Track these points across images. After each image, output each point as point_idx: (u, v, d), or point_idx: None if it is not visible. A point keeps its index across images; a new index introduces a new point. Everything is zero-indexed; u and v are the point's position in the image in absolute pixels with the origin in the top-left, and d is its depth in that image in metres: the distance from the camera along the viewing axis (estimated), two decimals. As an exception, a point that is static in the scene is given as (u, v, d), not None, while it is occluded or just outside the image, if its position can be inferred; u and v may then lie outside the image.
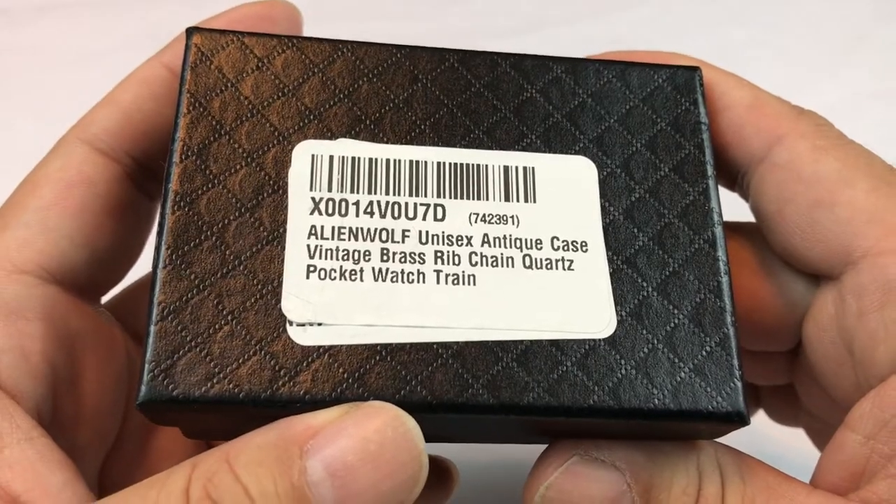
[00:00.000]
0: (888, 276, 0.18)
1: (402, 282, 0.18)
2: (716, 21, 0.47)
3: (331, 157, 0.20)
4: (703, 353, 0.18)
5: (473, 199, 0.19)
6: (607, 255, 0.19)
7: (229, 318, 0.18)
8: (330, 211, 0.19)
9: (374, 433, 0.15)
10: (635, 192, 0.20)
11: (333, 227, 0.19)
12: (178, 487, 0.15)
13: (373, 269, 0.18)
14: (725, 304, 0.19)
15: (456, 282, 0.18)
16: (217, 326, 0.17)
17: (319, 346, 0.17)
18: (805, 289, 0.21)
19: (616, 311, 0.18)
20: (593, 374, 0.18)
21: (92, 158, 0.20)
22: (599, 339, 0.18)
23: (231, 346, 0.17)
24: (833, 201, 0.19)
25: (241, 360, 0.17)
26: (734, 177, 0.22)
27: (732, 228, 0.23)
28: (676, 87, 0.21)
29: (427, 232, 0.19)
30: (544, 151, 0.20)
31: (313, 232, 0.19)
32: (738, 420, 0.18)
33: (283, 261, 0.18)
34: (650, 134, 0.20)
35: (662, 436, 0.19)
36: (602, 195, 0.20)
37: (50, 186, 0.20)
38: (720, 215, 0.20)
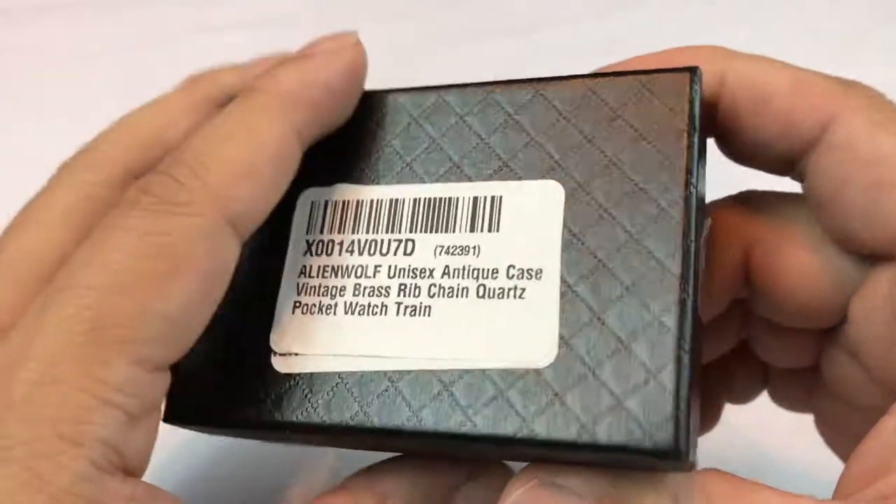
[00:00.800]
0: None
1: (368, 314, 0.20)
2: (716, 21, 0.47)
3: (325, 202, 0.21)
4: (641, 383, 0.17)
5: (441, 232, 0.20)
6: (561, 281, 0.18)
7: (232, 352, 0.20)
8: (318, 251, 0.21)
9: None
10: (599, 211, 0.19)
11: (319, 266, 0.20)
12: None
13: (345, 303, 0.20)
14: (674, 330, 0.17)
15: (413, 313, 0.19)
16: (221, 360, 0.20)
17: (295, 374, 0.20)
18: (855, 268, 0.20)
19: (560, 338, 0.18)
20: (527, 404, 0.17)
21: (235, 245, 0.18)
22: (538, 368, 0.18)
23: (235, 375, 0.20)
24: (894, 181, 0.18)
25: (240, 387, 0.20)
26: (791, 165, 0.20)
27: (779, 198, 0.22)
28: (660, 94, 0.19)
29: (395, 266, 0.20)
30: (516, 178, 0.20)
31: (303, 271, 0.21)
32: (673, 457, 0.16)
33: (276, 297, 0.20)
34: (625, 148, 0.19)
35: (615, 466, 0.18)
36: (566, 218, 0.19)
37: (197, 276, 0.17)
38: (691, 229, 0.18)
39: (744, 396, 0.27)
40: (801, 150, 0.20)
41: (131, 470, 0.17)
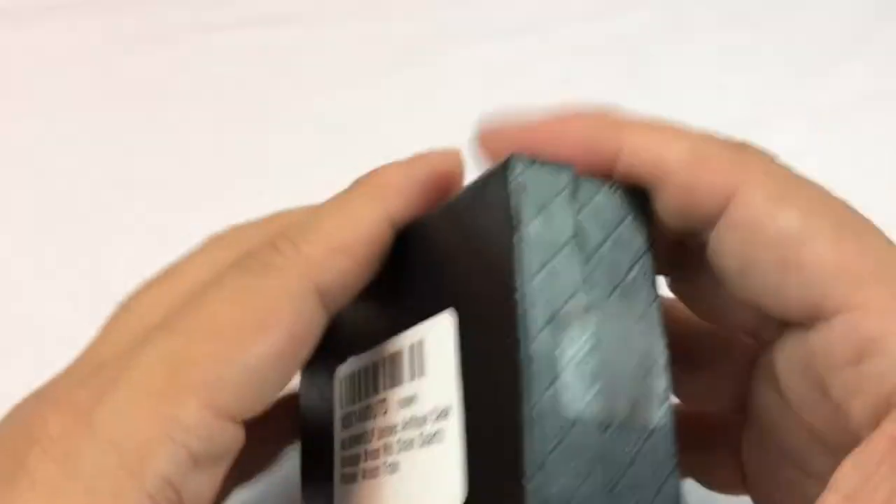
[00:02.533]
0: (860, 334, 0.18)
1: (369, 478, 0.20)
2: (716, 21, 0.47)
3: (342, 379, 0.22)
4: None
5: (398, 385, 0.20)
6: (462, 417, 0.17)
7: None
8: (346, 424, 0.22)
9: None
10: (482, 334, 0.17)
11: (345, 439, 0.22)
12: None
13: (362, 469, 0.21)
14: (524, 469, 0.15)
15: (393, 471, 0.19)
16: None
17: None
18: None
19: (465, 479, 0.17)
20: None
21: (321, 314, 0.19)
22: None
23: None
24: (799, 261, 0.18)
25: None
26: (689, 237, 0.20)
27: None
28: (488, 203, 0.17)
29: (379, 428, 0.20)
30: (430, 315, 0.19)
31: (342, 445, 0.22)
32: None
33: (332, 471, 0.22)
34: (484, 266, 0.17)
35: None
36: (460, 347, 0.17)
37: (281, 334, 0.18)
38: (528, 352, 0.16)
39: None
40: (702, 226, 0.19)
41: None
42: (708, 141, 0.19)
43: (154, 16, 0.46)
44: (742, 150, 0.19)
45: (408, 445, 0.19)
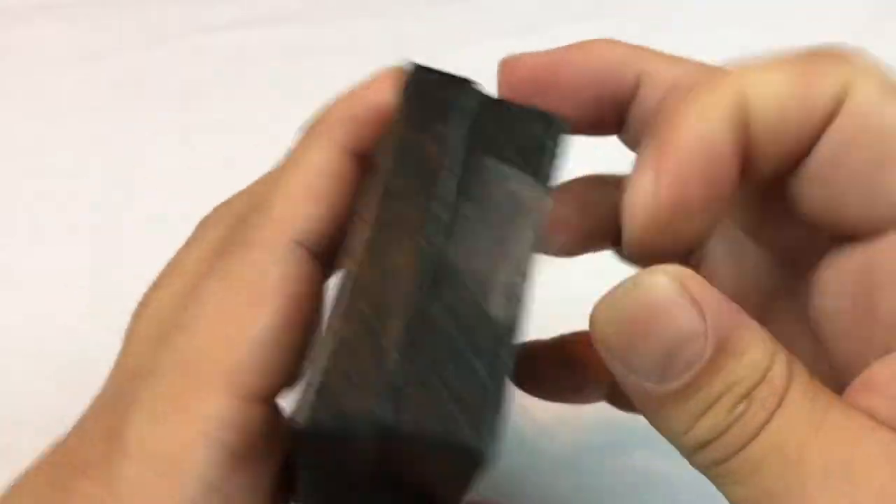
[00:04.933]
0: None
1: None
2: (716, 21, 0.47)
3: None
4: None
5: None
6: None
7: None
8: None
9: None
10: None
11: None
12: None
13: None
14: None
15: None
16: None
17: None
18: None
19: None
20: None
21: (308, 262, 0.19)
22: None
23: None
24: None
25: None
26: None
27: None
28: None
29: None
30: None
31: None
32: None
33: None
34: None
35: None
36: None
37: (278, 300, 0.18)
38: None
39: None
40: (807, 141, 0.19)
41: None
42: (802, 53, 0.19)
43: (154, 16, 0.46)
44: (843, 54, 0.19)
45: None
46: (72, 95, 0.42)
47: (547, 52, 0.21)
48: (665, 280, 0.16)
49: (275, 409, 0.18)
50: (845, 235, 0.19)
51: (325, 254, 0.19)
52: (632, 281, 0.16)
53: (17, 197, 0.38)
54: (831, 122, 0.18)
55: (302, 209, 0.19)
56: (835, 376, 0.19)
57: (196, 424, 0.17)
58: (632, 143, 0.22)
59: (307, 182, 0.19)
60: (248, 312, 0.18)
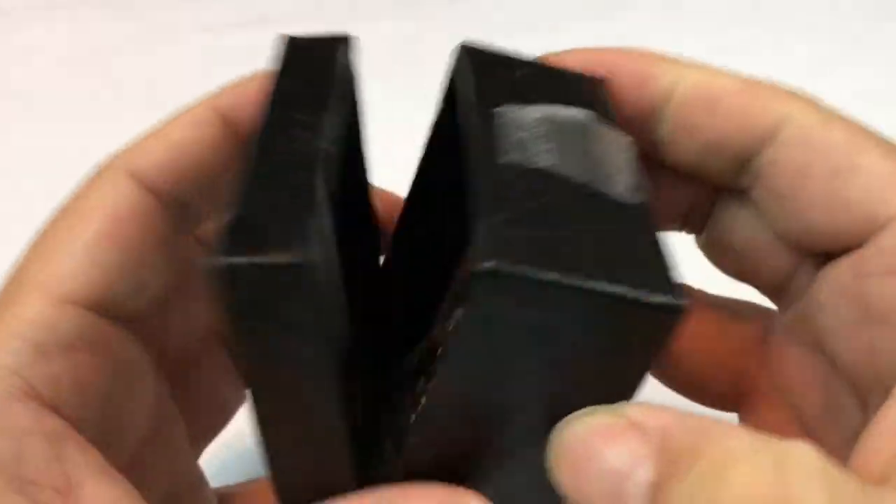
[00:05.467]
0: None
1: None
2: (716, 21, 0.47)
3: None
4: None
5: None
6: None
7: None
8: None
9: None
10: None
11: None
12: None
13: None
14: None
15: None
16: None
17: None
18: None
19: None
20: None
21: (141, 193, 0.20)
22: None
23: None
24: (851, 167, 0.19)
25: None
26: (740, 166, 0.21)
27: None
28: None
29: None
30: None
31: None
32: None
33: None
34: None
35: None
36: None
37: (98, 218, 0.20)
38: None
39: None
40: (755, 147, 0.20)
41: (52, 405, 0.18)
42: (756, 81, 0.21)
43: (154, 16, 0.46)
44: (790, 89, 0.21)
45: None
46: (72, 96, 0.42)
47: (588, 50, 0.22)
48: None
49: (99, 316, 0.19)
50: (826, 252, 0.20)
51: (172, 193, 0.21)
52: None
53: (16, 197, 0.38)
54: (776, 136, 0.20)
55: (148, 147, 0.21)
56: (853, 393, 0.20)
57: (8, 324, 0.18)
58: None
59: (163, 127, 0.22)
60: (76, 226, 0.20)
